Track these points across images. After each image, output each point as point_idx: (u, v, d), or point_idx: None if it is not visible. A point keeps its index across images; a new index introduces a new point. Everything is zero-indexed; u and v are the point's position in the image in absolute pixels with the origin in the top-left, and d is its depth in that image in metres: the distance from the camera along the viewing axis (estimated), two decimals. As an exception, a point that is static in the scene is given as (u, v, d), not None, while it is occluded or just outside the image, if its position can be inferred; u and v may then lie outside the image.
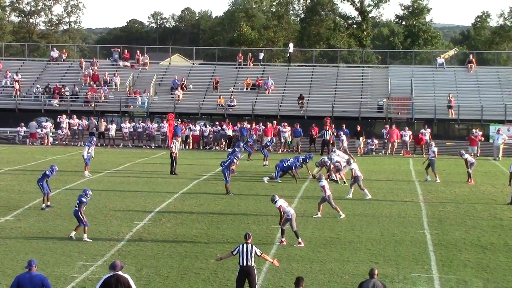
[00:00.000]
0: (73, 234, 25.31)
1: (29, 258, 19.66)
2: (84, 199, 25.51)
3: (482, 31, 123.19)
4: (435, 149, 40.29)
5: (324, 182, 29.24)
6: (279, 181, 38.37)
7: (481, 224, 28.75)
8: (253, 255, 18.52)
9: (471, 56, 68.79)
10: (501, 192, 35.17)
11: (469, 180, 39.23)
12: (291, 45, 74.53)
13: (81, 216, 25.19)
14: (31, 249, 23.76)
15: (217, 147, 55.58)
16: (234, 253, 18.82)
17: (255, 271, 18.74)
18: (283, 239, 24.92)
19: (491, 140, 54.09)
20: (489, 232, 27.27)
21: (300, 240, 24.75)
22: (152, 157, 49.88)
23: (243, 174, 41.23)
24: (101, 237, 25.60)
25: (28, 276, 16.32)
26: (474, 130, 53.40)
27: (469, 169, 39.15)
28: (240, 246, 18.72)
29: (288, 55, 74.01)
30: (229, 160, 36.00)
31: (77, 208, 25.36)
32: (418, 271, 21.93)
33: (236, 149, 40.80)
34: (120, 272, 16.21)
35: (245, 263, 18.47)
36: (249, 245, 18.67)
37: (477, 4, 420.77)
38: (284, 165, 38.64)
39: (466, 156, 39.67)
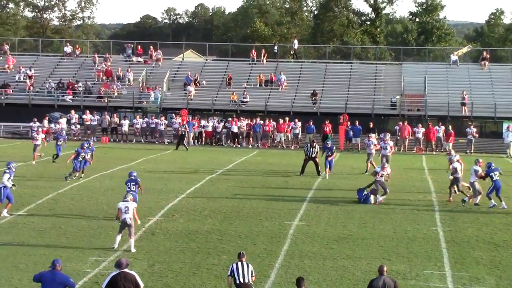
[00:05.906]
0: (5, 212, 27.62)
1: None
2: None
3: (495, 28, 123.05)
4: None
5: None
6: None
7: (493, 221, 28.63)
8: (249, 273, 17.31)
9: (484, 53, 68.61)
10: (514, 189, 34.92)
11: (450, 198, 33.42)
12: (295, 41, 74.31)
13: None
14: (44, 244, 23.79)
15: (230, 143, 55.62)
16: (230, 274, 17.45)
17: None
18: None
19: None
20: (502, 230, 27.16)
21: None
22: (165, 152, 49.95)
23: (256, 171, 41.30)
24: (114, 232, 25.56)
25: (51, 274, 16.29)
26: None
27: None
28: (234, 265, 17.47)
29: (292, 51, 73.87)
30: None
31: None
32: (430, 268, 21.86)
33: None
34: (126, 269, 16.25)
35: (241, 280, 17.17)
36: (244, 263, 17.48)
37: (491, 1, 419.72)
38: None
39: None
